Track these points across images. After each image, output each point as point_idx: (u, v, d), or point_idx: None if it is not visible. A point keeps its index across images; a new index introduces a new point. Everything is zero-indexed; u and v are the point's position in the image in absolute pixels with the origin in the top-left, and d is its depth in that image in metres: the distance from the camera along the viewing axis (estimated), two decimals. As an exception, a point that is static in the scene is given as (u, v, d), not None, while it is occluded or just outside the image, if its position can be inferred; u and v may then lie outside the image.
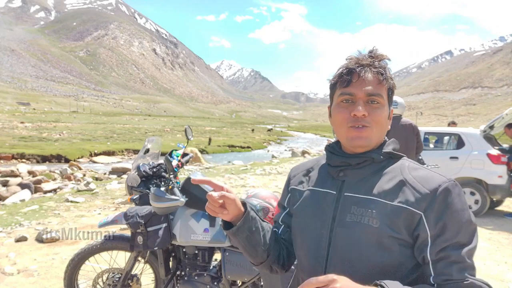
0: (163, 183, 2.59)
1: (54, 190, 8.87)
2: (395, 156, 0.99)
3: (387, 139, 1.02)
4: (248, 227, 1.00)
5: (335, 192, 0.97)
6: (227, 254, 2.35)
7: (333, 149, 1.03)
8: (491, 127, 6.44)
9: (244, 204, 1.01)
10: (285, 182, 1.19)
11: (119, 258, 2.69)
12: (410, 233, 0.87)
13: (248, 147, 29.77)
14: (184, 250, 2.48)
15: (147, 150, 2.80)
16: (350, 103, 0.94)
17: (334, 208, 0.95)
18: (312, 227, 0.99)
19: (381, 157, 0.96)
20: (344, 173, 0.98)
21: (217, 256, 2.55)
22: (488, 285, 0.83)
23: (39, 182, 9.20)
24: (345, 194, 0.95)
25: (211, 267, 2.48)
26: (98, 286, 2.62)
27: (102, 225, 2.58)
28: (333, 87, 1.00)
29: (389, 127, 1.01)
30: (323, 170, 1.06)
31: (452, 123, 8.73)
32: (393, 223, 0.87)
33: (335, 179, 0.99)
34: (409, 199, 0.87)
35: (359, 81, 0.93)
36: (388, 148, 0.98)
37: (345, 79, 0.95)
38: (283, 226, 1.15)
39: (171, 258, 2.58)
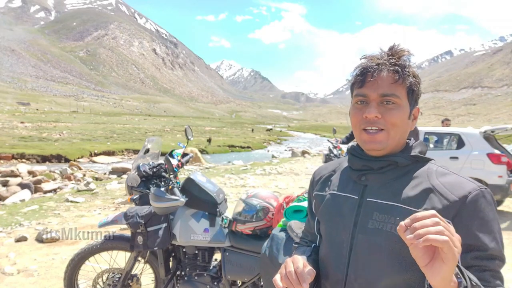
0: (163, 183, 2.58)
1: (54, 190, 8.87)
2: (422, 159, 0.93)
3: (413, 141, 0.96)
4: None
5: (356, 197, 0.93)
6: (227, 254, 2.35)
7: (355, 151, 0.98)
8: (493, 131, 6.45)
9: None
10: (309, 186, 1.15)
11: (119, 258, 2.69)
12: None
13: (248, 147, 29.75)
14: (184, 250, 2.48)
15: (147, 150, 2.79)
16: (364, 104, 0.92)
17: (356, 214, 0.92)
18: (333, 233, 0.96)
19: (407, 161, 0.91)
20: (366, 177, 0.93)
21: (217, 256, 2.55)
22: None
23: (39, 182, 9.20)
24: (367, 199, 0.91)
25: (211, 267, 2.48)
26: (98, 286, 2.62)
27: (102, 225, 2.58)
28: (351, 87, 0.97)
29: (413, 127, 0.96)
30: (345, 173, 1.02)
31: (446, 120, 8.44)
32: None
33: (357, 183, 0.95)
34: (436, 206, 0.82)
35: (372, 82, 0.89)
36: (414, 151, 0.93)
37: (359, 80, 0.92)
38: (319, 236, 1.08)
39: (171, 258, 2.59)
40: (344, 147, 6.78)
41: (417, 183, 0.88)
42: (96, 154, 19.84)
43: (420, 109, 1.02)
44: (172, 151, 2.65)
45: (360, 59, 0.95)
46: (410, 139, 0.97)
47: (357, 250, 0.90)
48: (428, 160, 0.93)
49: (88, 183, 8.31)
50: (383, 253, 0.85)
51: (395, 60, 0.90)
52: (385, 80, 0.89)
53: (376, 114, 0.88)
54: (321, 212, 1.03)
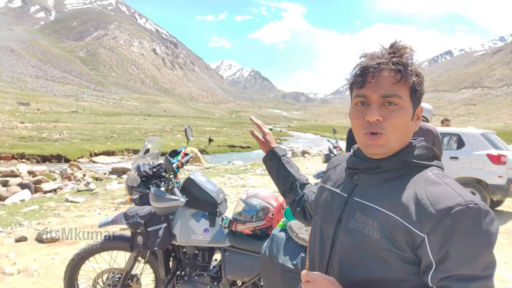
0: (163, 183, 2.59)
1: (54, 190, 8.86)
2: (415, 164, 0.87)
3: (414, 143, 0.90)
4: (270, 164, 1.34)
5: (345, 195, 0.94)
6: (227, 254, 2.35)
7: (355, 150, 0.98)
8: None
9: (275, 147, 1.35)
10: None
11: (119, 258, 2.69)
12: (414, 251, 0.79)
13: (248, 147, 29.72)
14: (184, 250, 2.48)
15: (147, 150, 2.79)
16: (365, 106, 0.87)
17: (341, 211, 0.92)
18: (322, 227, 0.99)
19: (393, 164, 0.87)
20: (358, 176, 0.93)
21: (217, 256, 2.55)
22: None
23: (39, 182, 9.20)
24: (354, 198, 0.91)
25: (211, 267, 2.48)
26: (98, 286, 2.62)
27: (102, 225, 2.58)
28: (351, 86, 0.92)
29: (417, 127, 0.91)
30: (344, 170, 1.02)
31: (446, 120, 8.59)
32: (393, 237, 0.80)
33: (350, 181, 0.96)
34: (412, 217, 0.78)
35: (373, 82, 0.85)
36: (407, 155, 0.87)
37: (358, 80, 0.88)
38: (307, 195, 1.26)
39: (171, 258, 2.58)
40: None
41: (404, 189, 0.83)
42: (96, 154, 19.83)
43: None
44: (172, 151, 2.65)
45: (360, 57, 0.91)
46: (414, 139, 0.92)
47: (337, 247, 0.91)
48: (425, 165, 0.88)
49: (88, 183, 8.30)
50: (360, 253, 0.86)
51: (397, 59, 0.85)
52: (387, 80, 0.84)
53: (378, 117, 0.84)
54: (317, 204, 1.06)
